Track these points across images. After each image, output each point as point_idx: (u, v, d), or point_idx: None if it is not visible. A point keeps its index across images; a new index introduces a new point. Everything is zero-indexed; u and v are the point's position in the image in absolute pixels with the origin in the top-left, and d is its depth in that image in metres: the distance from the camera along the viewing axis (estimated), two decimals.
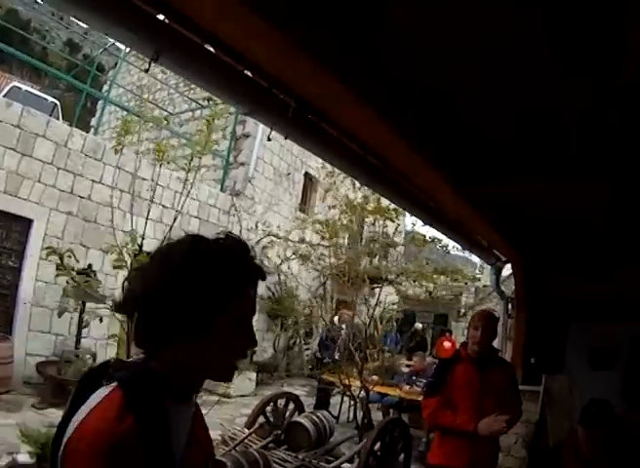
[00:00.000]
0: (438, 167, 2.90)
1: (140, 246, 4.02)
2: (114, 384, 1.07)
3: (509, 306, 6.74)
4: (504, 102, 2.51)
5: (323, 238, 10.65)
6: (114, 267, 4.12)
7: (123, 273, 4.09)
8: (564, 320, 5.48)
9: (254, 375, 10.82)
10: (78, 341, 8.02)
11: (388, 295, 16.85)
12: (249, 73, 2.29)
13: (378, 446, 4.92)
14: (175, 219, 5.14)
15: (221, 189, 11.68)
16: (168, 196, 9.71)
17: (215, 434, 4.57)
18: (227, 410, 8.23)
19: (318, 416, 5.34)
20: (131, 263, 3.92)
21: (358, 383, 7.69)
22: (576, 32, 1.90)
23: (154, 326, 1.14)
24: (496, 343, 6.63)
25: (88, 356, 7.92)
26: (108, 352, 8.03)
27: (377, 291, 16.14)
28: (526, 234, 5.06)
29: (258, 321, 11.83)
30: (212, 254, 1.17)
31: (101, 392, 1.07)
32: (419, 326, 18.31)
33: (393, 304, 16.68)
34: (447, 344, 16.30)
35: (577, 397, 6.12)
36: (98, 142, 9.11)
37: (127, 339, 3.68)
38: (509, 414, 3.28)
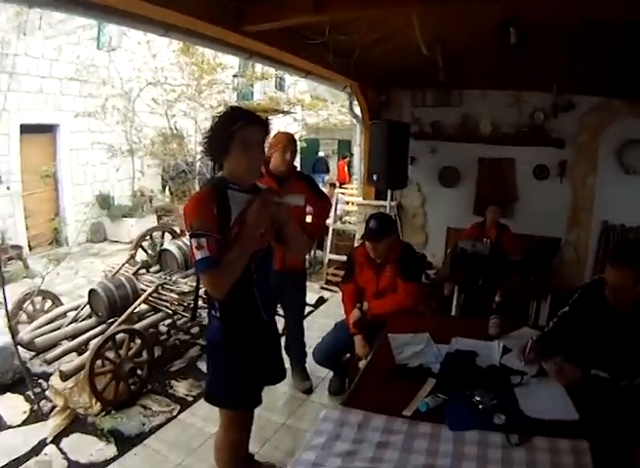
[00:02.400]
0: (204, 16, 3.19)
1: None
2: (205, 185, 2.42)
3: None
4: None
5: (202, 77, 10.61)
6: None
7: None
8: (406, 139, 5.95)
9: (154, 218, 11.26)
10: None
11: (288, 126, 17.16)
12: None
13: None
14: None
15: (98, 47, 11.19)
16: (44, 65, 9.57)
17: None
18: None
19: (184, 242, 5.79)
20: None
21: None
22: None
23: (213, 156, 2.34)
24: (355, 163, 7.20)
25: None
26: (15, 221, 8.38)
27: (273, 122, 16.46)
28: (357, 65, 5.34)
29: (150, 166, 11.99)
30: (223, 116, 2.31)
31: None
32: (321, 154, 19.04)
33: (294, 134, 16.98)
34: (346, 169, 17.22)
35: (428, 212, 6.94)
36: None
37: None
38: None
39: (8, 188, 8.70)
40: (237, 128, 2.20)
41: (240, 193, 2.25)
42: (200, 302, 2.90)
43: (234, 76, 11.80)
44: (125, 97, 10.94)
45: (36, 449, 3.49)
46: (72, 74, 10.23)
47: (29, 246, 9.33)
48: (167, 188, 11.26)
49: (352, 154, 18.64)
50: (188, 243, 2.34)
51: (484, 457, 1.91)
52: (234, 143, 2.20)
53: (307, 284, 4.55)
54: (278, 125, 16.77)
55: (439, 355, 2.79)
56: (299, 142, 16.27)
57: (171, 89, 10.87)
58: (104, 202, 11.18)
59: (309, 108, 15.60)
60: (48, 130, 10.04)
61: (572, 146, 6.08)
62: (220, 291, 2.17)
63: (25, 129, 9.24)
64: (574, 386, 2.46)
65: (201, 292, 3.00)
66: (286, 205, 2.35)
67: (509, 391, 2.40)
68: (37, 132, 9.65)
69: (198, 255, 2.10)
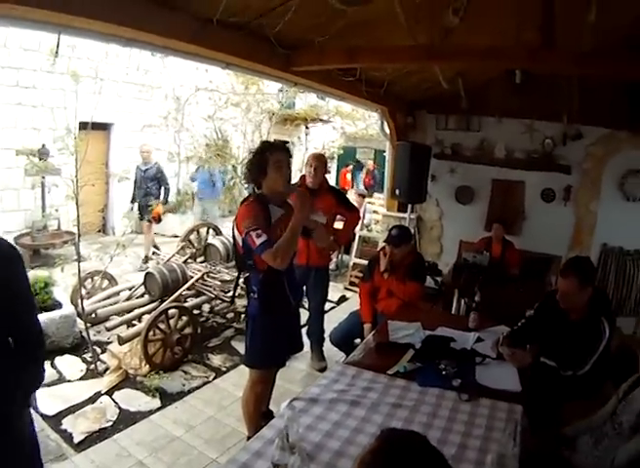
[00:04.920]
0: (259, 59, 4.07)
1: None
2: (251, 198, 3.10)
3: None
4: None
5: (246, 87, 11.40)
6: (59, 151, 5.14)
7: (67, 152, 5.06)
8: (427, 160, 6.69)
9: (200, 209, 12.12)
10: (44, 209, 8.86)
11: (327, 133, 17.87)
12: None
13: None
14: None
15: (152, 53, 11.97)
16: (102, 68, 10.14)
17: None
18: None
19: (227, 238, 6.62)
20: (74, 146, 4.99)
21: None
22: None
23: (253, 180, 3.14)
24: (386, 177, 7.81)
25: (53, 219, 8.97)
26: (68, 209, 8.82)
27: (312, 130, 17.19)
28: (387, 92, 6.11)
29: (197, 164, 12.86)
30: (256, 148, 3.20)
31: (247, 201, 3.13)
32: (369, 162, 20.23)
33: (333, 142, 17.69)
34: (348, 176, 18.28)
35: (444, 225, 7.67)
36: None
37: (75, 196, 4.83)
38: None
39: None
40: (270, 154, 3.06)
41: (276, 207, 3.12)
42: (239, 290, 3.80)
43: (279, 90, 12.58)
44: (176, 102, 11.84)
45: (92, 399, 4.35)
46: (127, 78, 11.09)
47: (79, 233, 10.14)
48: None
49: (358, 161, 19.64)
50: (240, 239, 3.06)
51: (439, 404, 2.69)
52: (269, 166, 3.05)
53: (333, 284, 5.39)
54: (318, 132, 17.58)
55: (423, 337, 3.57)
56: (336, 150, 17.02)
57: (219, 97, 11.64)
58: None
59: (348, 118, 16.26)
60: (103, 128, 10.90)
61: (578, 173, 6.70)
62: (283, 261, 2.89)
63: (83, 126, 10.01)
64: (525, 370, 3.20)
65: (240, 281, 3.85)
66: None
67: (471, 367, 3.17)
68: (93, 129, 10.45)
69: (259, 241, 2.83)
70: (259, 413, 3.53)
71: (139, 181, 8.79)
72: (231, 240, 6.47)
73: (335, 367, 3.11)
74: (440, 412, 2.60)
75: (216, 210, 10.83)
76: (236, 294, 3.77)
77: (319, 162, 4.72)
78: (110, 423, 3.99)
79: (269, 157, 3.07)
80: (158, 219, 8.92)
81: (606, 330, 3.10)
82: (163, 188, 8.87)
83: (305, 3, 3.26)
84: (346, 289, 8.06)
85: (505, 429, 2.38)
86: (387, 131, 7.58)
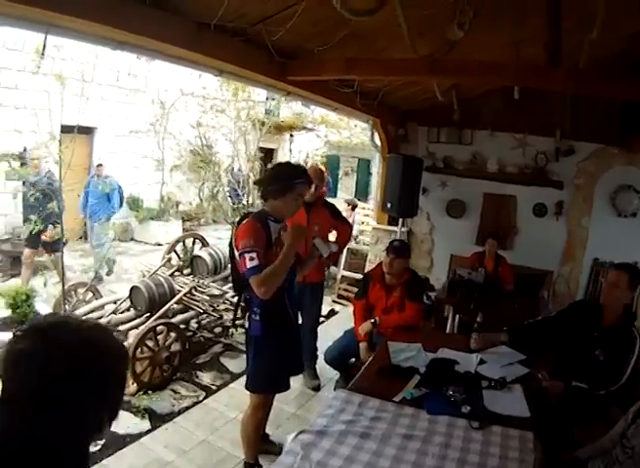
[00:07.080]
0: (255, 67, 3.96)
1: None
2: (251, 217, 3.03)
3: None
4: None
5: (235, 94, 11.24)
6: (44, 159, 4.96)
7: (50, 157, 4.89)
8: (419, 173, 6.59)
9: (179, 223, 11.95)
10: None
11: (311, 141, 17.83)
12: None
13: None
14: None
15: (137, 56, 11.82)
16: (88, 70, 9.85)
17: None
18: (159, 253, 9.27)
19: (215, 250, 6.51)
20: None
21: None
22: None
23: (266, 193, 3.09)
24: (373, 190, 7.75)
25: None
26: None
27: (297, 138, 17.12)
28: (380, 103, 6.03)
29: (185, 173, 12.73)
30: (288, 168, 3.19)
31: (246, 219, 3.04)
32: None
33: (317, 150, 17.62)
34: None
35: (435, 239, 7.58)
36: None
37: (58, 204, 4.67)
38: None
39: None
40: (298, 183, 3.09)
41: (275, 223, 3.10)
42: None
43: (266, 98, 12.50)
44: (161, 107, 11.66)
45: None
46: (112, 81, 10.95)
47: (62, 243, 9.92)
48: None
49: (370, 173, 19.40)
50: (238, 258, 2.93)
51: (450, 434, 2.58)
52: (291, 194, 3.06)
53: None
54: (302, 140, 17.52)
55: (426, 360, 3.45)
56: (320, 158, 16.97)
57: (208, 102, 11.48)
58: (134, 204, 11.84)
59: (333, 127, 16.24)
60: (86, 131, 10.64)
61: (570, 188, 6.69)
62: (267, 291, 2.85)
63: (65, 129, 9.79)
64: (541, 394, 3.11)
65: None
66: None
67: (478, 391, 3.06)
68: (76, 132, 10.23)
69: (250, 265, 2.81)
70: (258, 438, 3.40)
71: (27, 198, 6.65)
72: (219, 251, 6.44)
73: (339, 394, 2.96)
74: (453, 442, 2.49)
75: (107, 236, 8.36)
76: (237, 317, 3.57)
77: (316, 177, 4.59)
78: (99, 447, 3.79)
79: (296, 186, 3.08)
80: (51, 244, 6.96)
81: (637, 339, 3.08)
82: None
83: (307, 11, 3.16)
84: (334, 302, 7.92)
85: (522, 461, 2.29)
86: (378, 142, 7.50)
